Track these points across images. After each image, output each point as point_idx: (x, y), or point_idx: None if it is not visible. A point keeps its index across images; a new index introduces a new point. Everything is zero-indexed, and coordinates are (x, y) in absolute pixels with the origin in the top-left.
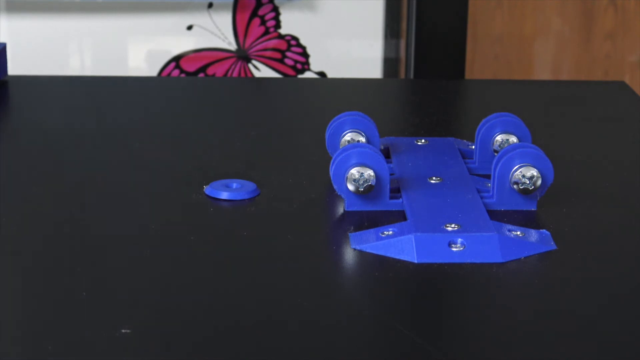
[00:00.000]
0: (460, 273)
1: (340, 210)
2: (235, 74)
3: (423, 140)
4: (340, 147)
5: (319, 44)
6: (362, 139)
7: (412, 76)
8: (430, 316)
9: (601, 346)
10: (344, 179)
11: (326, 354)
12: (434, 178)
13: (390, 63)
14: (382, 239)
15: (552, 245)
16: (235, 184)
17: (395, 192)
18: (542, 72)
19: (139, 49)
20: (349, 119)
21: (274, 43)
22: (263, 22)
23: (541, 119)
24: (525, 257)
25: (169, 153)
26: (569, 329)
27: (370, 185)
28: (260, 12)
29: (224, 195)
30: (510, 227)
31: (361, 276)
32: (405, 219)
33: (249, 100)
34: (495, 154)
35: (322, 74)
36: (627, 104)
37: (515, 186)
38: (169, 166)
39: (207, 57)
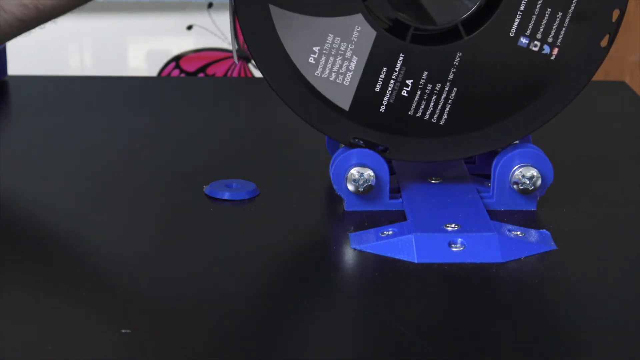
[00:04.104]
0: (460, 273)
1: (340, 210)
2: (235, 74)
3: None
4: (340, 147)
5: None
6: None
7: None
8: (430, 316)
9: (601, 346)
10: (344, 179)
11: (326, 353)
12: (434, 178)
13: None
14: (382, 239)
15: (552, 245)
16: (235, 184)
17: (395, 192)
18: None
19: (139, 49)
20: None
21: None
22: None
23: None
24: (525, 257)
25: (169, 153)
26: (569, 329)
27: (370, 185)
28: None
29: (224, 195)
30: (510, 227)
31: (361, 276)
32: (405, 219)
33: (249, 100)
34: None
35: None
36: (627, 104)
37: (515, 186)
38: (169, 166)
39: (207, 57)
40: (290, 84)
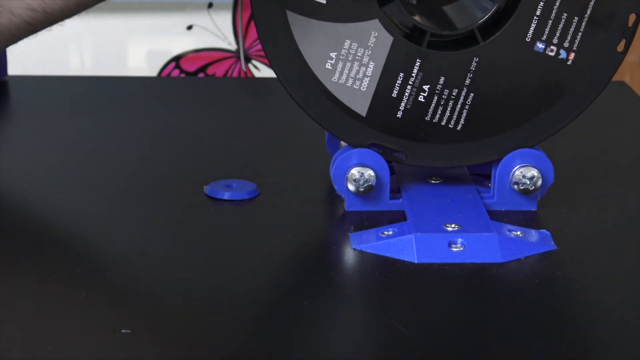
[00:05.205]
0: (460, 273)
1: (340, 210)
2: (235, 74)
3: None
4: (341, 147)
5: None
6: None
7: None
8: (430, 316)
9: (601, 346)
10: (344, 179)
11: (326, 353)
12: (434, 178)
13: None
14: (382, 239)
15: (552, 245)
16: (235, 184)
17: (396, 192)
18: None
19: (139, 49)
20: None
21: None
22: None
23: None
24: (525, 257)
25: (169, 153)
26: (569, 329)
27: (370, 185)
28: None
29: (224, 195)
30: (510, 227)
31: (361, 276)
32: (405, 219)
33: (249, 100)
34: None
35: None
36: (627, 104)
37: (515, 186)
38: (169, 166)
39: (207, 57)
40: (307, 89)
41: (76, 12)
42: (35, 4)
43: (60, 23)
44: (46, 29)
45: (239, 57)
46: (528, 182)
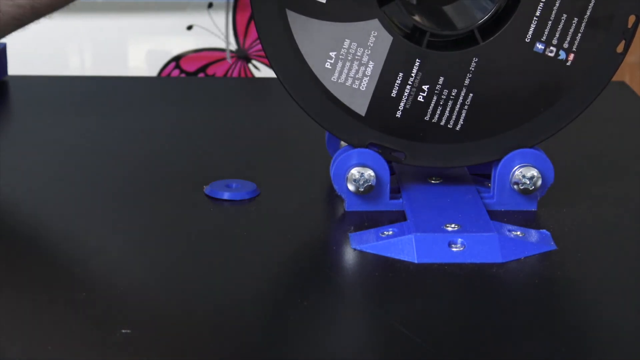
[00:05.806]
0: (460, 273)
1: (340, 210)
2: (235, 74)
3: None
4: (341, 147)
5: None
6: None
7: None
8: (430, 316)
9: (601, 346)
10: (344, 179)
11: (326, 353)
12: (434, 178)
13: None
14: (382, 239)
15: (552, 245)
16: (235, 184)
17: (396, 192)
18: None
19: (139, 49)
20: None
21: None
22: None
23: None
24: (525, 257)
25: (169, 153)
26: (569, 329)
27: (370, 185)
28: None
29: (224, 195)
30: (510, 227)
31: (361, 276)
32: (405, 219)
33: (249, 100)
34: None
35: None
36: (627, 104)
37: (515, 186)
38: (169, 166)
39: (207, 57)
40: (306, 89)
41: (64, 4)
42: (22, 1)
43: (48, 16)
44: (34, 23)
45: (237, 56)
46: (528, 182)
